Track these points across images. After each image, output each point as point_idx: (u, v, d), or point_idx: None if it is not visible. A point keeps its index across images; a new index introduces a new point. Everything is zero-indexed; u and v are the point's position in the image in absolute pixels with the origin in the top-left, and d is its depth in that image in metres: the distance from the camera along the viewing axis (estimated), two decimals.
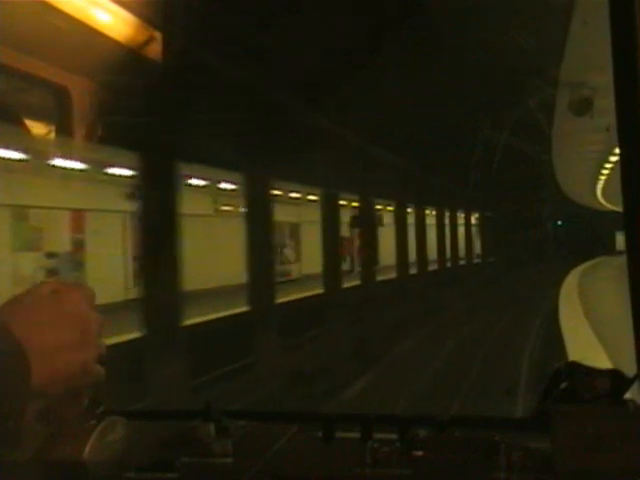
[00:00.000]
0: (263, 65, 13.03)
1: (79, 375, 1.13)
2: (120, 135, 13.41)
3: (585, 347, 14.43)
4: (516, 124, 29.71)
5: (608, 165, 31.84)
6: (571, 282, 37.41)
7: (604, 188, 44.01)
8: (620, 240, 61.37)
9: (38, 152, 15.78)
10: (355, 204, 32.95)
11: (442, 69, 17.38)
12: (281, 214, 23.14)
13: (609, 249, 58.10)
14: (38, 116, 14.98)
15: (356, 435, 1.88)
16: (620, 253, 56.34)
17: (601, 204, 54.08)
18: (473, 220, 49.04)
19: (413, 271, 32.26)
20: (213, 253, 22.59)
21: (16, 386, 1.04)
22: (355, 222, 30.87)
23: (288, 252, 30.50)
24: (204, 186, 24.12)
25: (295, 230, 31.19)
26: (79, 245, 19.87)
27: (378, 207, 32.27)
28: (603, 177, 38.22)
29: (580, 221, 62.29)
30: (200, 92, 12.87)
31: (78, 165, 17.29)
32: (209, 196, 25.08)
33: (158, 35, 10.89)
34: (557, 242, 63.46)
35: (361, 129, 20.82)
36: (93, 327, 1.14)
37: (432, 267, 35.48)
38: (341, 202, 29.67)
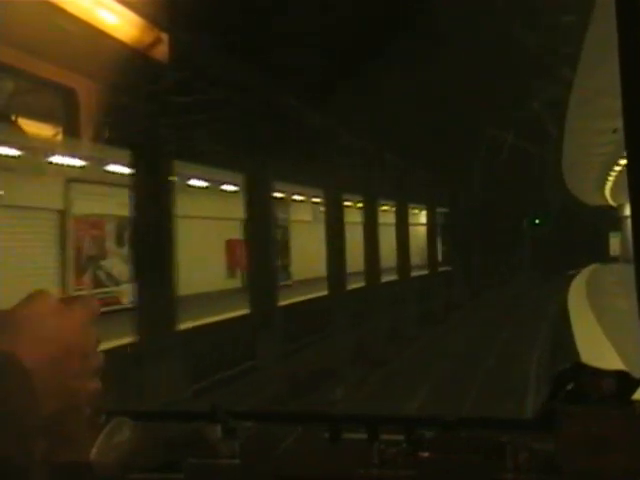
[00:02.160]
0: (261, 61, 13.01)
1: (76, 399, 1.13)
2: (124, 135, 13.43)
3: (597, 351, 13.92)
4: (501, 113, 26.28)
5: (622, 161, 28.77)
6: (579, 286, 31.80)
7: (614, 187, 39.56)
8: (615, 244, 51.85)
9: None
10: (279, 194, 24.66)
11: (446, 67, 17.36)
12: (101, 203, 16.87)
13: (601, 255, 48.83)
14: (46, 117, 15.03)
15: (362, 436, 1.88)
16: (615, 260, 48.19)
17: (609, 204, 48.94)
18: (422, 218, 36.24)
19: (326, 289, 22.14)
20: None
21: (25, 421, 1.04)
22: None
23: (113, 266, 18.02)
24: None
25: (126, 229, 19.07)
26: None
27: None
28: (614, 173, 34.75)
29: (564, 219, 49.93)
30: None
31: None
32: None
33: (165, 37, 10.91)
34: (534, 245, 50.72)
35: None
36: (92, 350, 1.14)
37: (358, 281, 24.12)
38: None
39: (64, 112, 13.79)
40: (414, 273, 30.26)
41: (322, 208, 27.97)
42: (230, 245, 25.38)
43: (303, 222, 28.71)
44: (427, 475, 1.80)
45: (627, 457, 1.66)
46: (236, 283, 24.50)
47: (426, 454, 1.83)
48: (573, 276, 37.39)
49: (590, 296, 26.26)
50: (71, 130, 14.33)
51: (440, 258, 36.48)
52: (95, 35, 9.81)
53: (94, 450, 1.34)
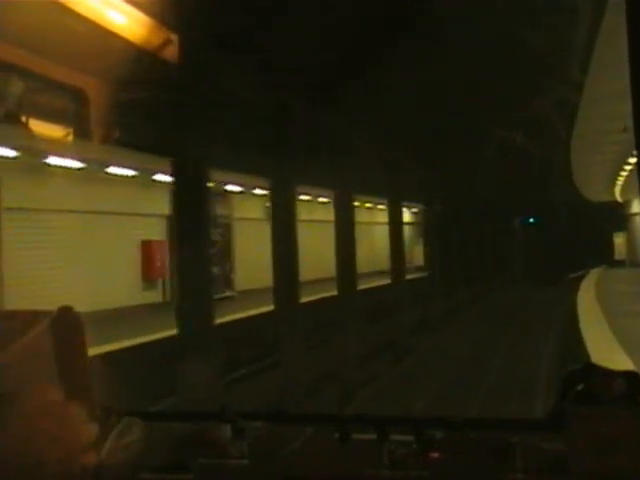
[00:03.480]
0: (264, 61, 12.98)
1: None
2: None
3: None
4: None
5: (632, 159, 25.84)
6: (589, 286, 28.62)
7: (624, 182, 36.25)
8: (620, 244, 45.90)
9: None
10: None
11: (452, 67, 17.32)
12: None
13: (604, 257, 43.37)
14: (56, 118, 15.07)
15: (372, 436, 1.88)
16: (620, 263, 43.17)
17: (614, 200, 44.44)
18: (382, 215, 29.14)
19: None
20: None
21: None
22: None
23: None
24: None
25: None
26: None
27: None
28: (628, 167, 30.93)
29: (560, 217, 43.24)
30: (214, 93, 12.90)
31: None
32: None
33: (174, 37, 10.93)
34: (527, 247, 44.55)
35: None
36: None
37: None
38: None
39: (73, 112, 13.83)
40: (374, 283, 24.55)
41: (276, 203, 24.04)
42: (146, 248, 19.36)
43: (251, 220, 23.35)
44: (437, 476, 1.80)
45: (637, 458, 1.65)
46: (156, 296, 19.34)
47: (436, 455, 1.83)
48: (573, 281, 33.12)
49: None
50: (81, 131, 14.37)
51: (408, 263, 28.99)
52: (105, 36, 9.84)
53: (104, 450, 1.35)
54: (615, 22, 11.90)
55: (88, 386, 1.49)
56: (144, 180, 18.89)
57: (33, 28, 8.39)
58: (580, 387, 1.77)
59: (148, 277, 19.11)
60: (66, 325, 1.53)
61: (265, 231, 19.32)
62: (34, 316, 1.53)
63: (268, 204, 21.74)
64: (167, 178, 17.99)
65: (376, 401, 13.53)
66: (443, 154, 25.59)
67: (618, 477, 1.67)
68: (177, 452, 1.87)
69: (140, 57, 10.63)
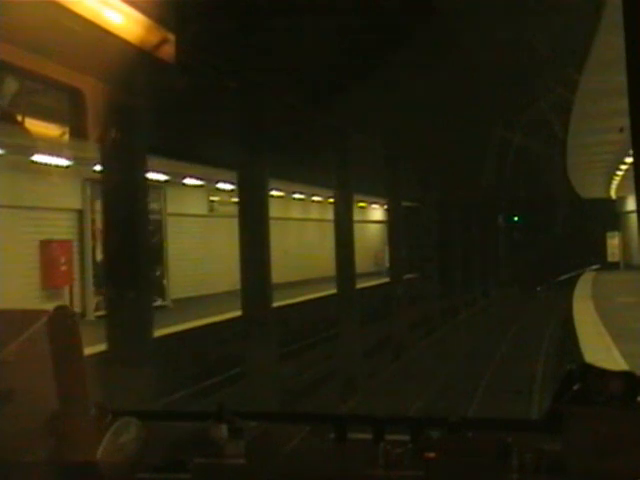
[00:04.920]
0: (260, 60, 12.92)
1: None
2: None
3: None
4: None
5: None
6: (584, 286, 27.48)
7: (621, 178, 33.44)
8: (613, 245, 42.67)
9: None
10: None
11: (454, 69, 17.33)
12: None
13: (596, 258, 40.99)
14: (52, 117, 15.04)
15: (368, 436, 1.88)
16: (615, 265, 40.15)
17: (607, 197, 41.53)
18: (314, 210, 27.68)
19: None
20: None
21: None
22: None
23: None
24: None
25: None
26: None
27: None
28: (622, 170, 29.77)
29: (550, 215, 40.72)
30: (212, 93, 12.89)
31: None
32: None
33: (171, 37, 10.91)
34: (513, 248, 41.04)
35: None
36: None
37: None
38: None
39: (70, 112, 13.80)
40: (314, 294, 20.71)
41: (228, 197, 19.44)
42: (47, 249, 15.74)
43: (190, 216, 19.37)
44: (433, 476, 1.80)
45: (634, 457, 1.65)
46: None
47: (432, 455, 1.83)
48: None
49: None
50: (77, 131, 14.34)
51: (379, 266, 26.99)
52: (102, 36, 9.83)
53: (101, 449, 1.35)
54: (612, 21, 11.93)
55: (84, 385, 1.50)
56: (41, 166, 15.17)
57: (28, 26, 8.38)
58: (577, 387, 1.77)
59: (49, 284, 15.67)
60: (62, 324, 1.55)
61: (209, 229, 17.57)
62: (30, 315, 1.55)
63: (215, 197, 19.34)
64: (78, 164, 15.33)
65: None
66: (419, 143, 22.99)
67: (615, 477, 1.67)
68: (174, 452, 1.87)
69: (137, 56, 10.61)
